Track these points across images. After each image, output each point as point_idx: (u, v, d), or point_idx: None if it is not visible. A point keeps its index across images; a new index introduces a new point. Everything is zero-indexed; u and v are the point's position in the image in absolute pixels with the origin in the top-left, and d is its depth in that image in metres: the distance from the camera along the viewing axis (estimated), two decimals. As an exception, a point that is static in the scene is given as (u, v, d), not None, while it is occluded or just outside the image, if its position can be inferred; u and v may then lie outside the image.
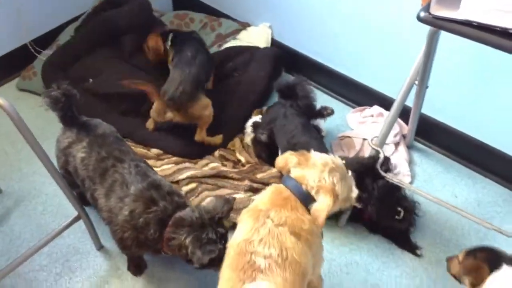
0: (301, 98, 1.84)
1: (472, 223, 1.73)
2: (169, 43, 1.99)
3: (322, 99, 2.14)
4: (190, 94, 1.80)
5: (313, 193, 1.18)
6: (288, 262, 1.12)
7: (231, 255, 1.13)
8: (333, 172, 1.21)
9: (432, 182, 1.86)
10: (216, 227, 1.30)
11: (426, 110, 1.85)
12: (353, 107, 2.11)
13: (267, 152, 1.84)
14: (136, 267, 1.61)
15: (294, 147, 1.66)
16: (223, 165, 1.86)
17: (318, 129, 1.91)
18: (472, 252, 1.34)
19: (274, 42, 2.22)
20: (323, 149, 1.68)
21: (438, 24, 1.04)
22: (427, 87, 1.51)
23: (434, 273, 1.61)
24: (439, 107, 1.85)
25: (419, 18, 1.05)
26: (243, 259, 1.10)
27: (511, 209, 1.77)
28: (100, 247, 1.69)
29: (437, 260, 1.64)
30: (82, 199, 1.57)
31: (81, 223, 1.62)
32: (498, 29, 0.97)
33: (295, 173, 1.21)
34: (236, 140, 1.92)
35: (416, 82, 1.45)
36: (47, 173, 1.85)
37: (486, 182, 1.86)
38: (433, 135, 1.94)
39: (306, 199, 1.18)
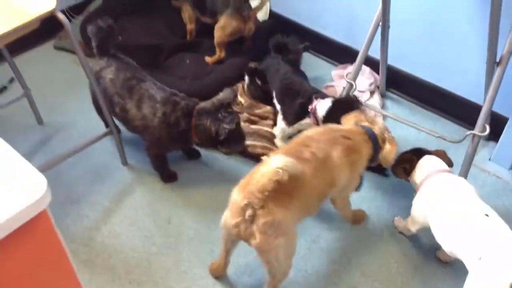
0: (292, 52, 2.23)
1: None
2: None
3: (311, 60, 2.55)
4: None
5: (379, 140, 1.61)
6: (324, 165, 1.47)
7: (292, 143, 1.52)
8: (388, 131, 1.67)
9: (400, 123, 2.23)
10: (227, 109, 1.74)
11: (396, 63, 2.25)
12: (337, 65, 2.50)
13: (259, 92, 2.22)
14: (170, 177, 1.98)
15: (288, 85, 2.05)
16: (227, 105, 2.24)
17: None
18: (406, 152, 1.74)
19: (271, 12, 2.62)
20: (315, 89, 2.06)
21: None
22: (388, 27, 1.90)
23: (397, 186, 1.98)
24: (405, 59, 2.24)
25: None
26: (296, 147, 1.49)
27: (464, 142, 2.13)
28: (125, 163, 2.06)
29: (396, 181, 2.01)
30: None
31: (109, 145, 2.02)
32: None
33: (365, 124, 1.62)
34: (239, 85, 2.30)
35: (380, 24, 1.84)
36: (80, 111, 2.27)
37: (445, 121, 2.24)
38: (403, 85, 2.33)
39: (375, 141, 1.60)
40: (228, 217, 1.40)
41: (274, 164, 1.31)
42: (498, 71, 1.66)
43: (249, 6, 2.32)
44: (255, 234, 1.35)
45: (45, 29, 2.56)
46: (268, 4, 2.61)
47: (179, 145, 1.91)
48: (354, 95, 1.95)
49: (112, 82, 1.84)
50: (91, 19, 2.52)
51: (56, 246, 0.69)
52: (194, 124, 1.75)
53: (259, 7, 2.30)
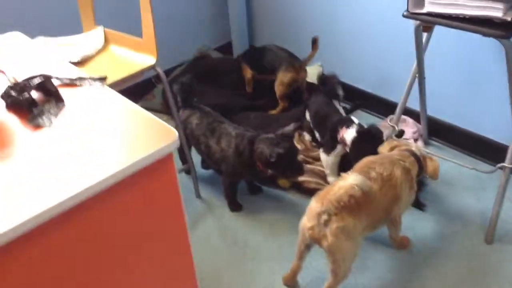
0: (328, 83, 2.59)
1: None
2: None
3: (364, 116, 2.89)
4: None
5: (421, 158, 1.91)
6: (389, 183, 1.77)
7: (358, 165, 1.83)
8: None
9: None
10: (285, 139, 2.05)
11: (436, 114, 2.54)
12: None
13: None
14: (236, 205, 2.32)
15: (321, 117, 2.38)
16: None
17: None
18: None
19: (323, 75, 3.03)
20: (341, 117, 2.33)
21: (415, 17, 1.81)
22: (424, 78, 2.22)
23: (434, 218, 2.20)
24: (443, 110, 2.54)
25: (403, 15, 1.82)
26: (363, 169, 1.80)
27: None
28: (199, 196, 2.42)
29: (438, 212, 2.24)
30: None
31: (186, 181, 2.40)
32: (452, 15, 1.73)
33: (407, 148, 1.93)
34: (295, 135, 2.66)
35: (417, 75, 2.17)
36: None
37: (483, 164, 2.46)
38: (443, 134, 2.60)
39: (419, 159, 1.90)
40: (305, 221, 1.72)
41: (351, 180, 1.66)
42: (521, 111, 1.92)
43: (299, 59, 2.79)
44: (328, 236, 1.64)
45: (135, 91, 3.16)
46: (320, 69, 3.02)
47: (248, 172, 2.21)
48: (401, 131, 2.25)
49: (198, 126, 2.25)
50: (172, 81, 3.04)
51: (174, 186, 1.01)
52: (254, 149, 2.07)
53: (308, 58, 2.75)
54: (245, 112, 2.88)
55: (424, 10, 1.77)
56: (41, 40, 2.08)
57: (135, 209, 0.98)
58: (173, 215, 1.07)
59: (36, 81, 1.03)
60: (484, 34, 1.69)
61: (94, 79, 1.12)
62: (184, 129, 2.30)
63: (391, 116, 2.33)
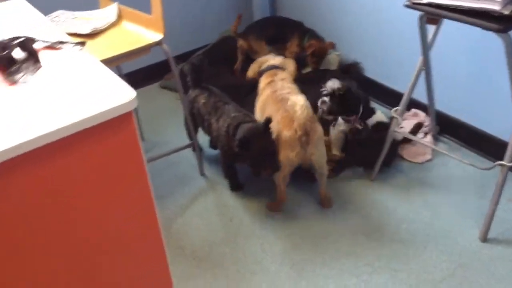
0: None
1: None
2: None
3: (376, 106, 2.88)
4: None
5: (281, 65, 2.36)
6: (297, 90, 2.19)
7: (269, 101, 2.13)
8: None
9: (446, 162, 2.46)
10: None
11: (448, 110, 2.52)
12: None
13: None
14: (236, 185, 2.37)
15: None
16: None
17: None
18: None
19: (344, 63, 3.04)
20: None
21: (415, 7, 1.80)
22: (430, 71, 2.20)
23: (430, 213, 2.20)
24: (451, 105, 2.51)
25: (404, 5, 1.82)
26: (275, 97, 2.12)
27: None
28: (203, 174, 2.49)
29: (436, 206, 2.24)
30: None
31: (192, 159, 2.48)
32: (450, 6, 1.71)
33: (267, 64, 2.38)
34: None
35: (424, 68, 2.16)
36: (174, 134, 2.77)
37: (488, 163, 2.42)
38: (451, 129, 2.56)
39: (282, 68, 2.33)
40: (288, 153, 1.98)
41: (301, 101, 1.97)
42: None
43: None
44: (313, 150, 1.99)
45: (155, 71, 3.27)
46: (339, 58, 3.04)
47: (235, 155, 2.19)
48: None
49: (204, 105, 2.31)
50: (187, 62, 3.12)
51: (135, 143, 1.08)
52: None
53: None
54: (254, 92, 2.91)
55: (425, 1, 1.77)
56: (60, 13, 2.20)
57: (94, 160, 1.05)
58: (134, 172, 1.13)
59: (18, 41, 1.12)
60: (483, 27, 1.67)
61: (74, 44, 1.20)
62: (191, 108, 2.38)
63: (395, 108, 2.32)
